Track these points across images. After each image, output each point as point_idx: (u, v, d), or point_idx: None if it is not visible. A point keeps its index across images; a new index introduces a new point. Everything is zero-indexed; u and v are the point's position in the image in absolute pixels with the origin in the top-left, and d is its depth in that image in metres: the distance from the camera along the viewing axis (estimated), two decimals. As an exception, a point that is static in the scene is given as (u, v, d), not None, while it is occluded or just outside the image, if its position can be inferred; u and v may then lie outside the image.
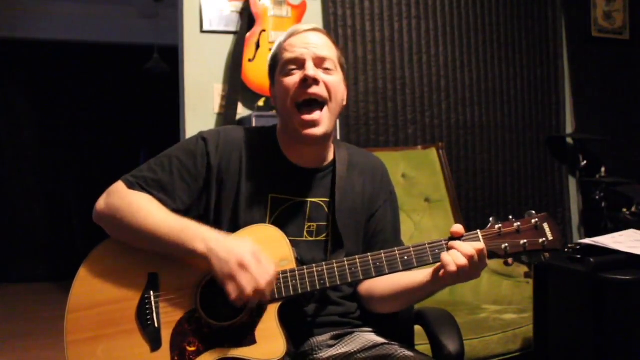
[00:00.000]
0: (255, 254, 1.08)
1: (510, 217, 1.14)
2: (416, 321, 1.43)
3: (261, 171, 1.27)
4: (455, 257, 1.07)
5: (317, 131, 1.22)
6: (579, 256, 1.71)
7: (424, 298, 1.23)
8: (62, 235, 5.61)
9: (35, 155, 5.67)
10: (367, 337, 1.28)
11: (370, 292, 1.30)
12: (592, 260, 1.64)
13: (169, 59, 4.70)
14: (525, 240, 1.11)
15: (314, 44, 1.23)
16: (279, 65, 1.26)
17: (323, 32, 1.28)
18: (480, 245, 1.08)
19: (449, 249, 1.10)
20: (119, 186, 1.23)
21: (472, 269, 1.08)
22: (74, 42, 5.41)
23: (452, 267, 1.07)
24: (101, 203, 1.23)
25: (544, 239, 1.11)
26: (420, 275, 1.17)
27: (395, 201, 1.41)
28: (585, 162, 3.33)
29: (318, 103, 1.22)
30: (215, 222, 1.24)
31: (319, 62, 1.22)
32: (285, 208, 1.26)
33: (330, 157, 1.33)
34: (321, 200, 1.29)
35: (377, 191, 1.36)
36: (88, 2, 5.19)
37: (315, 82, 1.20)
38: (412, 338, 1.45)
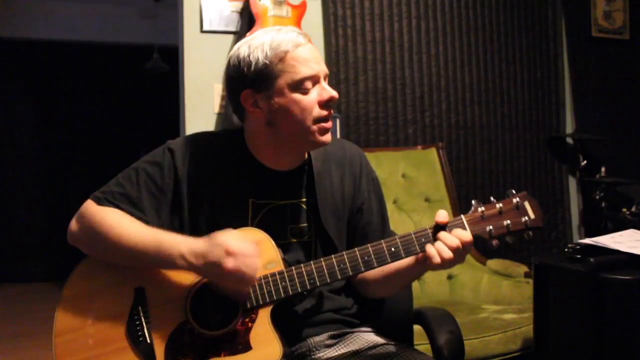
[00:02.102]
0: (236, 254, 1.07)
1: (492, 198, 1.15)
2: (416, 321, 1.43)
3: (237, 177, 1.24)
4: (439, 249, 1.09)
5: (330, 138, 1.22)
6: (579, 256, 1.71)
7: (413, 280, 1.26)
8: (62, 235, 5.50)
9: (35, 154, 5.67)
10: (367, 338, 1.27)
11: (364, 277, 1.29)
12: (592, 260, 1.64)
13: (169, 59, 4.70)
14: (508, 221, 1.12)
15: (320, 59, 1.20)
16: (287, 78, 1.15)
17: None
18: (468, 236, 1.10)
19: (435, 239, 1.11)
20: (89, 204, 1.21)
21: (457, 257, 1.10)
22: (74, 42, 5.41)
23: (437, 259, 1.09)
24: (73, 224, 1.21)
25: (526, 217, 1.13)
26: (406, 261, 1.18)
27: (378, 187, 1.38)
28: (585, 162, 3.33)
29: None
30: (192, 233, 1.20)
31: (326, 78, 1.21)
32: (266, 212, 1.24)
33: (305, 155, 1.30)
34: (300, 201, 1.27)
35: (359, 183, 1.33)
36: (88, 2, 5.18)
37: (334, 102, 1.20)
38: (411, 338, 1.45)
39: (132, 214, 1.18)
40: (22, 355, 3.24)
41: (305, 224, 1.27)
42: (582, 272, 1.67)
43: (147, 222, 1.18)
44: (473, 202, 1.15)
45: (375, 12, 2.96)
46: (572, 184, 3.43)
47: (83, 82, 5.74)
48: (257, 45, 1.17)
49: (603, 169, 3.23)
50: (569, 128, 3.41)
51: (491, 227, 1.12)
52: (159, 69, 5.23)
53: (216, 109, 2.76)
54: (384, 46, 2.97)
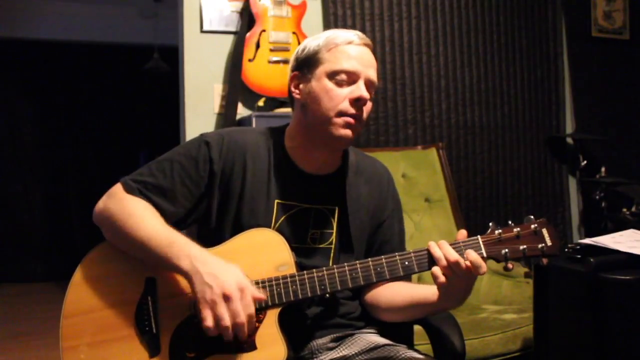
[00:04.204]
0: (241, 286, 1.04)
1: (510, 222, 1.14)
2: (417, 321, 1.43)
3: (267, 176, 1.25)
4: (445, 254, 1.08)
5: (351, 135, 1.21)
6: (579, 256, 1.71)
7: (434, 314, 1.22)
8: (61, 235, 5.61)
9: (35, 155, 5.67)
10: (368, 339, 1.27)
11: (376, 301, 1.29)
12: (592, 260, 1.64)
13: (169, 59, 4.70)
14: (524, 246, 1.11)
15: (370, 64, 1.23)
16: (327, 66, 1.21)
17: (372, 50, 1.26)
18: (477, 260, 1.07)
19: None
20: (118, 189, 1.21)
21: (463, 276, 1.07)
22: (74, 42, 5.42)
23: (441, 279, 1.08)
24: (100, 205, 1.21)
25: (543, 244, 1.12)
26: (431, 292, 1.16)
27: (400, 210, 1.40)
28: (585, 162, 3.33)
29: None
30: (217, 227, 1.23)
31: (369, 85, 1.22)
32: (290, 214, 1.25)
33: (338, 163, 1.32)
34: (327, 207, 1.28)
35: (384, 201, 1.35)
36: (88, 2, 5.18)
37: (365, 104, 1.21)
38: (412, 338, 1.45)
39: (160, 206, 1.19)
40: (22, 355, 3.24)
41: (328, 231, 1.27)
42: (582, 272, 1.67)
43: (176, 214, 1.20)
44: (490, 224, 1.14)
45: (375, 12, 2.96)
46: (572, 184, 3.43)
47: (83, 82, 5.74)
48: (319, 36, 1.26)
49: (603, 169, 3.23)
50: (569, 128, 3.42)
51: (507, 250, 1.11)
52: (159, 69, 5.23)
53: (216, 109, 2.76)
54: (384, 46, 2.97)
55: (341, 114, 1.19)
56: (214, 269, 1.06)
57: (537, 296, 1.86)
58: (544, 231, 1.13)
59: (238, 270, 1.08)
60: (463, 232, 1.13)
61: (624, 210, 2.79)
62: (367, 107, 1.23)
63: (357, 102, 1.20)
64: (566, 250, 1.78)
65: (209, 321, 1.03)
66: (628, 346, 1.62)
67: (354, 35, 1.23)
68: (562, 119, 3.37)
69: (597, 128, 3.42)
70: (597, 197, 3.15)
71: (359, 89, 1.20)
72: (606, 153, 3.43)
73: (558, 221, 3.32)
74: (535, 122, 3.32)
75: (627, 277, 1.59)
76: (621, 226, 2.56)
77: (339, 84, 1.20)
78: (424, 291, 1.19)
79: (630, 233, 1.83)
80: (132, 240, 1.14)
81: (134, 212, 1.15)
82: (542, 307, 1.84)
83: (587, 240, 1.75)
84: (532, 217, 1.15)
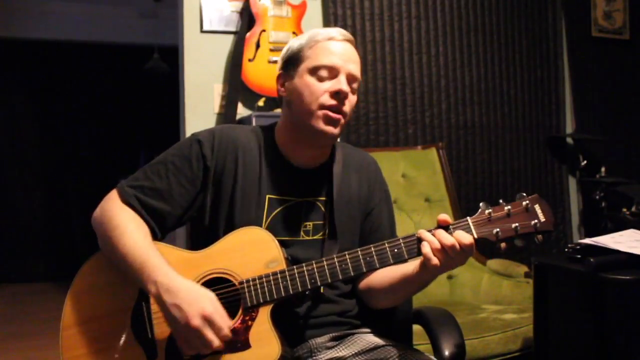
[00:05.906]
0: (205, 314, 1.05)
1: (501, 200, 1.13)
2: (416, 321, 1.43)
3: (258, 171, 1.26)
4: (434, 248, 1.08)
5: (335, 130, 1.22)
6: (579, 256, 1.71)
7: (420, 288, 1.23)
8: (61, 235, 5.61)
9: (35, 155, 5.67)
10: (367, 339, 1.27)
11: (369, 286, 1.30)
12: (592, 260, 1.64)
13: (169, 59, 4.70)
14: (516, 224, 1.09)
15: (350, 59, 1.24)
16: (308, 63, 1.23)
17: (354, 45, 1.28)
18: (467, 238, 1.08)
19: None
20: (114, 196, 1.22)
21: (455, 259, 1.08)
22: (74, 42, 5.42)
23: (434, 261, 1.08)
24: (96, 212, 1.23)
25: (536, 221, 1.10)
26: (412, 266, 1.17)
27: (389, 198, 1.41)
28: (585, 162, 3.33)
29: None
30: (212, 223, 1.24)
31: (350, 80, 1.24)
32: (282, 209, 1.26)
33: (327, 156, 1.33)
34: (318, 200, 1.29)
35: (372, 189, 1.37)
36: (88, 2, 5.19)
37: (345, 98, 1.22)
38: (411, 338, 1.45)
39: (158, 209, 1.20)
40: (22, 355, 3.24)
41: (320, 222, 1.28)
42: (582, 272, 1.67)
43: (174, 214, 1.21)
44: (481, 204, 1.12)
45: (375, 12, 2.96)
46: (572, 184, 3.43)
47: (83, 82, 5.75)
48: (302, 35, 1.29)
49: (603, 169, 3.23)
50: (569, 128, 3.42)
51: (498, 229, 1.09)
52: (159, 69, 5.23)
53: (216, 109, 2.76)
54: (384, 46, 2.97)
55: (322, 107, 1.21)
56: (178, 299, 1.06)
57: (537, 296, 1.86)
58: (537, 207, 1.11)
59: (205, 297, 1.08)
60: (444, 216, 1.13)
61: (624, 210, 2.79)
62: (351, 102, 1.25)
63: (338, 95, 1.21)
64: (566, 250, 1.78)
65: (185, 350, 1.08)
66: (628, 346, 1.62)
67: (335, 31, 1.25)
68: (562, 119, 3.38)
69: (597, 128, 3.42)
70: (597, 197, 3.15)
71: (339, 82, 1.21)
72: (606, 153, 3.43)
73: (558, 221, 3.32)
74: (535, 122, 3.32)
75: (627, 277, 1.59)
76: (621, 226, 2.56)
77: (320, 79, 1.22)
78: (404, 268, 1.19)
79: (630, 233, 1.83)
80: (114, 254, 1.15)
81: (119, 225, 1.17)
82: (542, 307, 1.85)
83: (587, 240, 1.75)
84: (524, 193, 1.13)
